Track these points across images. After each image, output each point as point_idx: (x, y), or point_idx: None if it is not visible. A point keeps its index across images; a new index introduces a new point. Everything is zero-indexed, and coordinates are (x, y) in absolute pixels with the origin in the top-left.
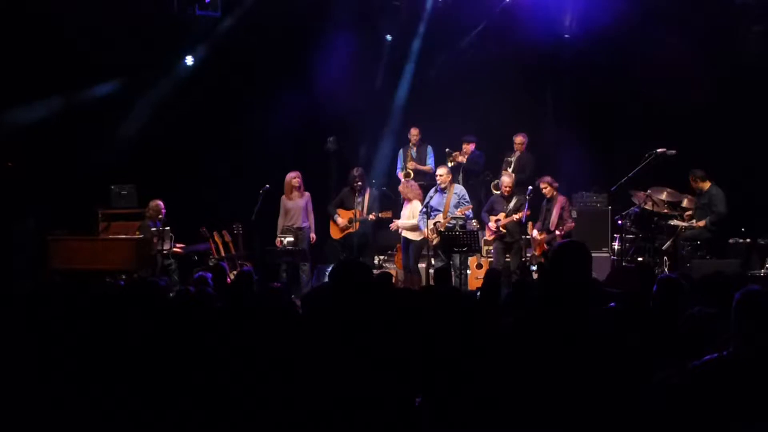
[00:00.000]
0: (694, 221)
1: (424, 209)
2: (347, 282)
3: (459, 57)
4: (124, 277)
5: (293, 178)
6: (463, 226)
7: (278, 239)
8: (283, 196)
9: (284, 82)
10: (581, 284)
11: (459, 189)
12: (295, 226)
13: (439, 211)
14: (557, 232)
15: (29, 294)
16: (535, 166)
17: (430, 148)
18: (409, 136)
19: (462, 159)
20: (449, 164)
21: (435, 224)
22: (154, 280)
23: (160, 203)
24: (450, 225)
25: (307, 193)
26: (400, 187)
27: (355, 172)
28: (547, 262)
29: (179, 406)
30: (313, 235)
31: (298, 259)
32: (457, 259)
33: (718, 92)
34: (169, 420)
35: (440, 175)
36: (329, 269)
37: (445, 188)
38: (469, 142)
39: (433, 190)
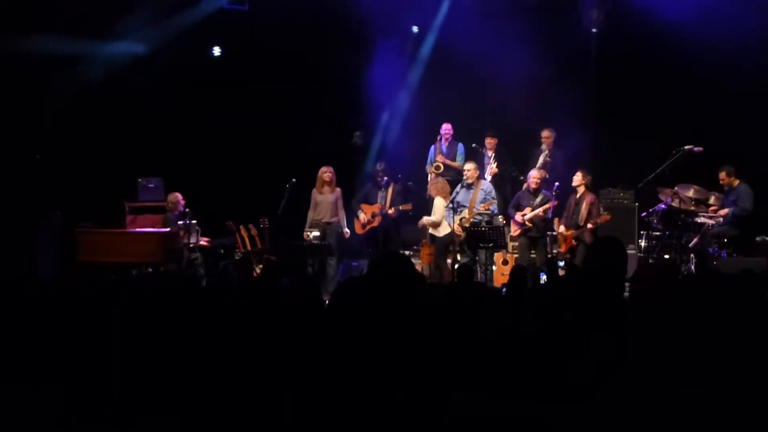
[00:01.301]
0: (719, 213)
1: (451, 205)
2: (391, 274)
3: (484, 50)
4: (150, 270)
5: (324, 172)
6: (489, 222)
7: (306, 233)
8: (314, 190)
9: (310, 76)
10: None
11: (486, 185)
12: (323, 220)
13: (465, 206)
14: (589, 225)
15: (56, 285)
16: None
17: (461, 146)
18: (441, 132)
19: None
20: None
21: (461, 220)
22: (185, 273)
23: (179, 195)
24: (475, 221)
25: (338, 189)
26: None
27: (379, 166)
28: (588, 256)
29: (198, 399)
30: (346, 231)
31: (323, 253)
32: (482, 255)
33: (746, 89)
34: (190, 411)
35: (467, 170)
36: (356, 264)
37: (471, 184)
38: (492, 137)
39: (459, 185)
